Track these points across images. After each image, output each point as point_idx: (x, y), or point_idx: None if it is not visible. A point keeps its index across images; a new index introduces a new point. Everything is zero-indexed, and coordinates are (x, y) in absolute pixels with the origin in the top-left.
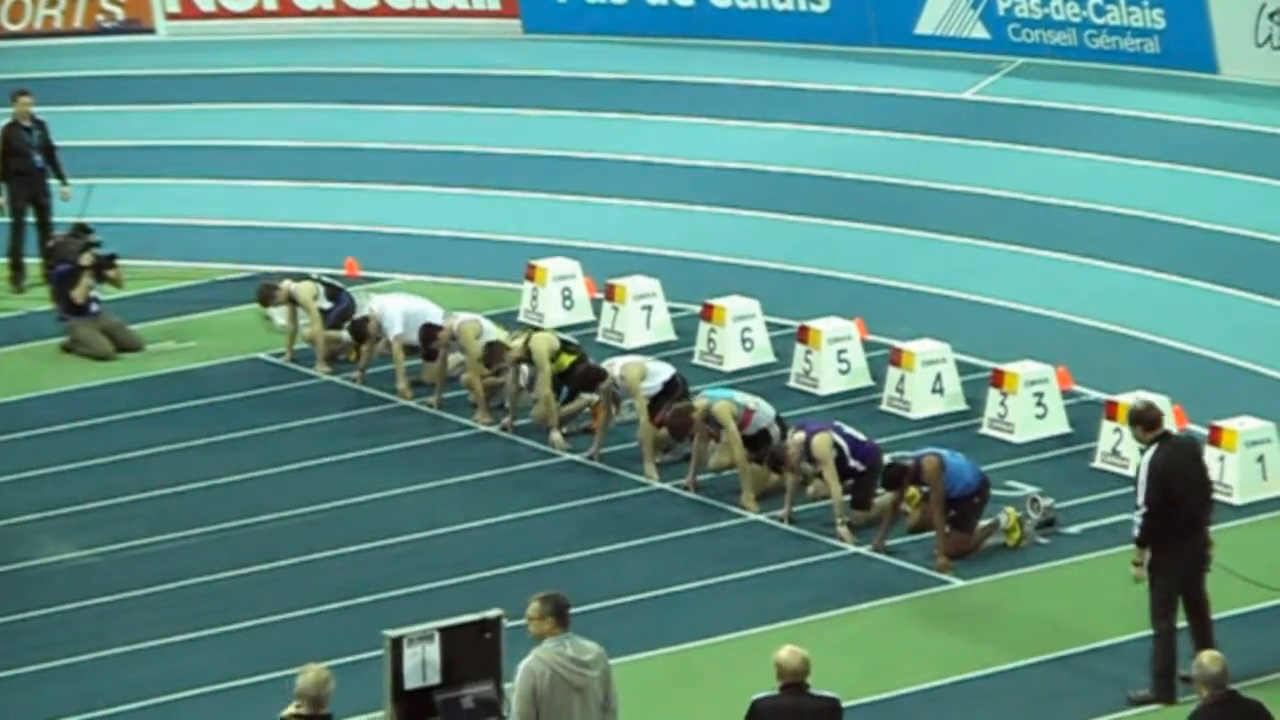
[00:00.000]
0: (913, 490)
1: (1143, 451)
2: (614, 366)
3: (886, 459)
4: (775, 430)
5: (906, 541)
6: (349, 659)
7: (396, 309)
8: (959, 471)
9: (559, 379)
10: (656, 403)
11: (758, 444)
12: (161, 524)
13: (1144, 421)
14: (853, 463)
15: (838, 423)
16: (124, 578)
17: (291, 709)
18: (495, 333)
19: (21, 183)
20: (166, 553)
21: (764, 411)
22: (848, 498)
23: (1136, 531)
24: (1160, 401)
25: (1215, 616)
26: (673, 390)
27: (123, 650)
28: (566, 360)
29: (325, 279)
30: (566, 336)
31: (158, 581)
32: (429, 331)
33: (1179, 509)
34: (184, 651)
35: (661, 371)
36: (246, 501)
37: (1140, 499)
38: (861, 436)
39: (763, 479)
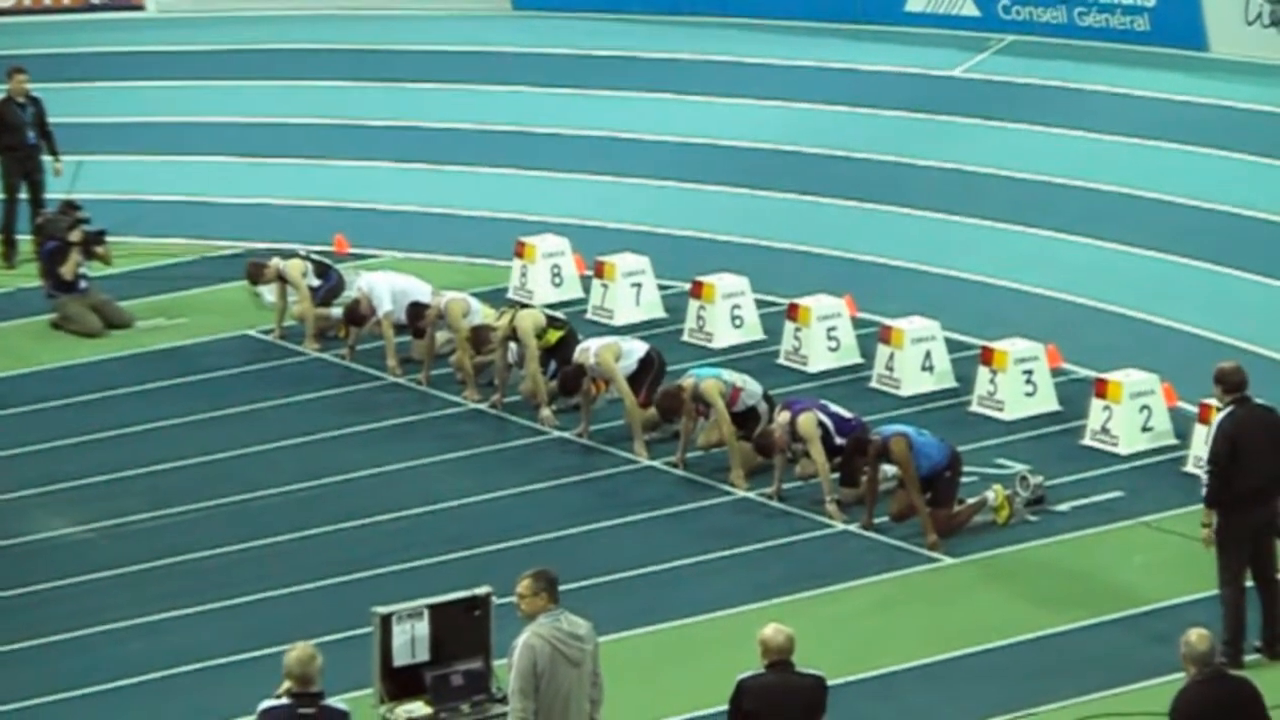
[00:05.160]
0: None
1: (1219, 410)
2: (588, 353)
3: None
4: (763, 407)
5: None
6: (341, 635)
7: (385, 286)
8: (924, 449)
9: (547, 355)
10: (634, 380)
11: (746, 421)
12: (153, 500)
13: (1224, 383)
14: (839, 440)
15: (823, 401)
16: (117, 554)
17: (283, 687)
18: (482, 311)
19: (14, 159)
20: (159, 529)
21: (751, 389)
22: (835, 475)
23: (1204, 491)
24: (1151, 379)
25: None
26: (649, 366)
27: (118, 626)
28: (554, 336)
29: (314, 256)
30: (553, 312)
31: (151, 557)
32: (416, 310)
33: (1244, 476)
34: (178, 627)
35: (636, 349)
36: (237, 478)
37: (1206, 457)
38: (847, 414)
39: (751, 457)
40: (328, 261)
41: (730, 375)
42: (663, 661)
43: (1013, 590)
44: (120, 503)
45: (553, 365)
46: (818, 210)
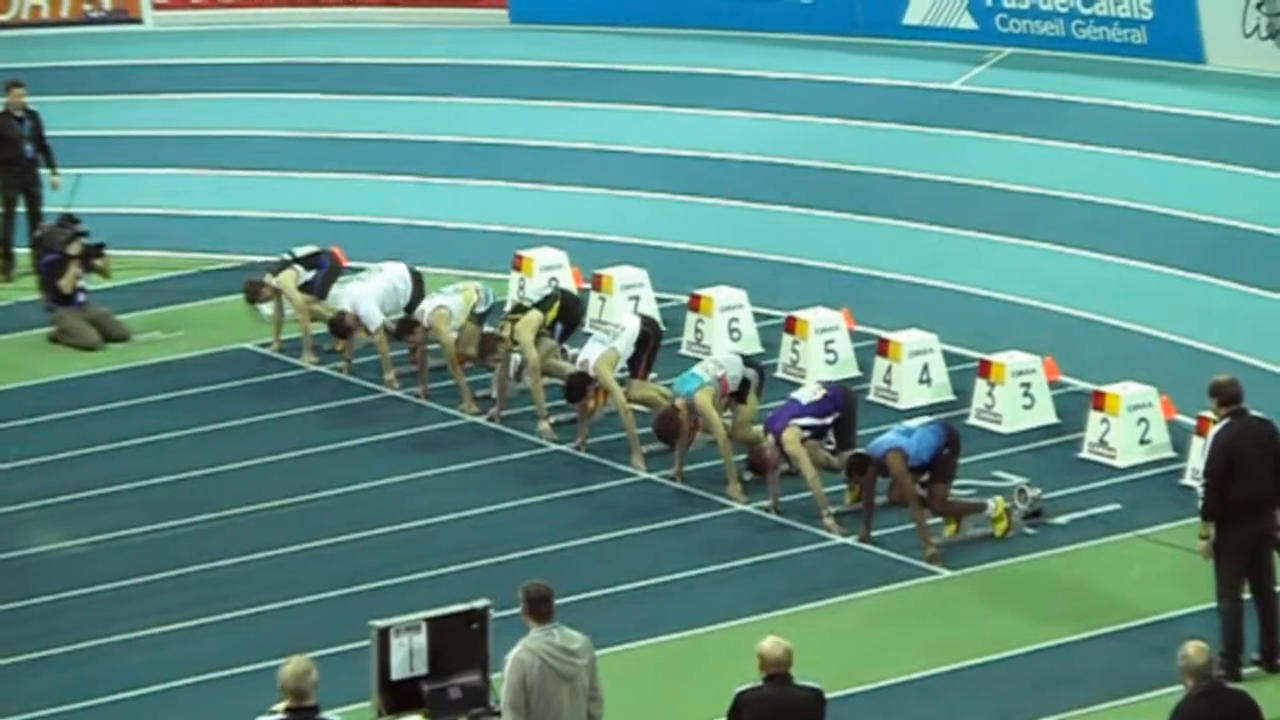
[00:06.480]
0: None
1: (1213, 424)
2: (587, 365)
3: (847, 454)
4: (750, 374)
5: (893, 532)
6: (339, 649)
7: (371, 300)
8: (921, 446)
9: (553, 325)
10: (633, 361)
11: (743, 395)
12: (149, 513)
13: (1219, 395)
14: (826, 421)
15: (793, 396)
16: (115, 567)
17: (282, 704)
18: (463, 308)
19: (13, 173)
20: (156, 542)
21: (732, 370)
22: (829, 491)
23: (1200, 504)
24: (1149, 392)
25: None
26: (645, 343)
27: (117, 639)
28: (551, 315)
29: (297, 254)
30: (547, 293)
31: (149, 571)
32: (405, 325)
33: (1241, 488)
34: (177, 640)
35: (629, 334)
36: (235, 491)
37: (1203, 470)
38: (818, 394)
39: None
40: (312, 249)
41: (709, 371)
42: (661, 674)
43: (1010, 603)
44: (118, 516)
45: (559, 329)
46: (816, 223)
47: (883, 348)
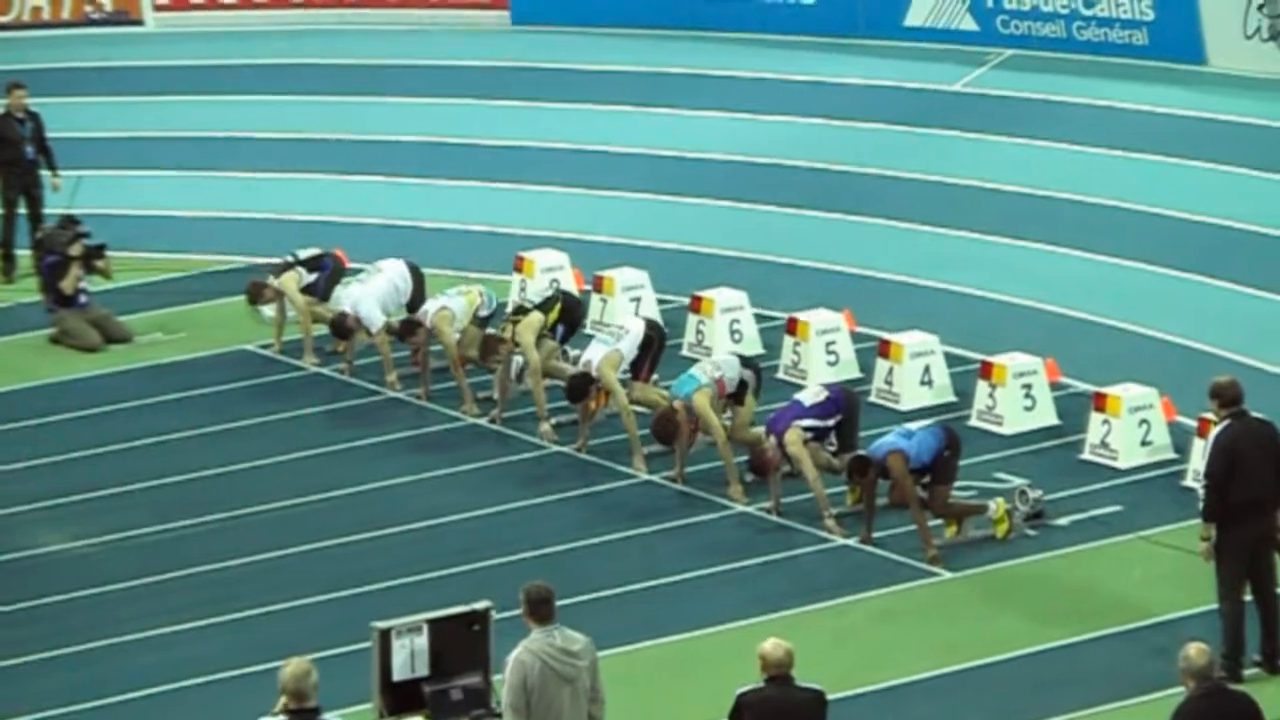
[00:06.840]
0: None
1: (1214, 425)
2: (590, 366)
3: (848, 456)
4: (747, 375)
5: (895, 533)
6: (342, 650)
7: (372, 301)
8: (921, 449)
9: (554, 327)
10: (637, 363)
11: (741, 396)
12: (154, 515)
13: (1220, 397)
14: (828, 423)
15: (796, 397)
16: (119, 568)
17: (280, 704)
18: (466, 310)
19: (14, 174)
20: (160, 543)
21: (729, 372)
22: (831, 492)
23: (1201, 505)
24: (1150, 393)
25: None
26: (649, 346)
27: (124, 639)
28: (552, 317)
29: (300, 256)
30: (548, 295)
31: (153, 572)
32: (408, 326)
33: (1241, 489)
34: (184, 640)
35: (634, 336)
36: (238, 492)
37: (1203, 471)
38: (821, 396)
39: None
40: (315, 251)
41: (706, 372)
42: (663, 676)
43: (1012, 604)
44: (121, 517)
45: (560, 330)
46: (818, 225)
47: (884, 349)
